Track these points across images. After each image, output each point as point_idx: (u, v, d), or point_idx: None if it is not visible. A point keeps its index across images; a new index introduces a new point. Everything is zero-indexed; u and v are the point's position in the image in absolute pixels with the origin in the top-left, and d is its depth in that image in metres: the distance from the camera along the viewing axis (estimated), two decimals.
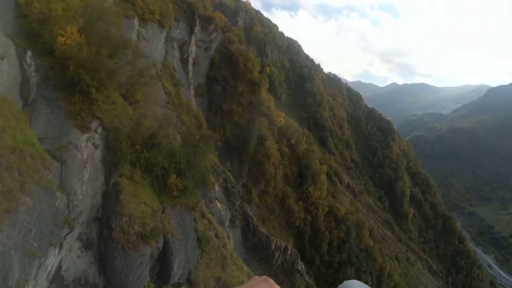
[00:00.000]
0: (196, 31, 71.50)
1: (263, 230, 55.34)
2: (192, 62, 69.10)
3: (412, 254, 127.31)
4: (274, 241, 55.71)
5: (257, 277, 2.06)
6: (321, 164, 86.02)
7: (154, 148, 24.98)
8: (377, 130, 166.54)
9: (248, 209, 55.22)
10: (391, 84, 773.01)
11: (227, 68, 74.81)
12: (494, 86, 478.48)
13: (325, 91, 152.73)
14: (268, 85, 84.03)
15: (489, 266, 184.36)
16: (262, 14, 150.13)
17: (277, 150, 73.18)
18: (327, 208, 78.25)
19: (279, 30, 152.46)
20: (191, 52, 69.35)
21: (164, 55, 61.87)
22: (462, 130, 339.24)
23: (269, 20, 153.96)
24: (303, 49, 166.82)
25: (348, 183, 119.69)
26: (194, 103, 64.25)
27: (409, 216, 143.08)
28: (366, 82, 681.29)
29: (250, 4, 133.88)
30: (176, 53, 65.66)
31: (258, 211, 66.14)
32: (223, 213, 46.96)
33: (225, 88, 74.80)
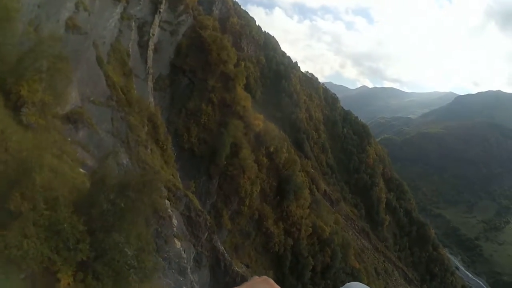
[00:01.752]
0: (161, 10, 56.20)
1: (237, 269, 41.09)
2: (153, 47, 53.77)
3: (389, 264, 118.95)
4: None
5: (257, 277, 1.98)
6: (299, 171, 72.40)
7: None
8: (353, 133, 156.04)
9: (218, 243, 40.62)
10: (361, 86, 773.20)
11: (196, 57, 59.05)
12: (461, 94, 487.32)
13: (301, 90, 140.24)
14: (245, 81, 69.37)
15: (456, 268, 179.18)
16: (240, 6, 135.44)
17: (254, 161, 59.07)
18: (310, 228, 65.01)
19: (257, 24, 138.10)
20: (153, 35, 54.08)
21: (116, 35, 46.93)
22: (430, 135, 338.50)
23: (247, 12, 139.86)
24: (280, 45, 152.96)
25: (325, 190, 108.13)
26: (152, 99, 49.10)
27: (385, 224, 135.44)
28: (337, 83, 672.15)
29: None
30: (133, 35, 50.64)
31: (230, 237, 52.16)
32: (184, 255, 32.83)
33: (193, 81, 59.36)
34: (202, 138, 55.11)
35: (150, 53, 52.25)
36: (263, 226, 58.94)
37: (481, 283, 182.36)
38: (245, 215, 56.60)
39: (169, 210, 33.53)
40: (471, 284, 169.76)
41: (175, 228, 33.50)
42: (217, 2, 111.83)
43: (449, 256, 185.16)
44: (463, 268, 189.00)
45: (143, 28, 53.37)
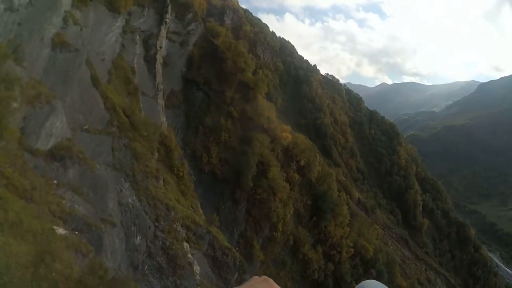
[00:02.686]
0: (167, 20, 50.01)
1: None
2: (161, 61, 47.44)
3: (431, 272, 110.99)
4: None
5: (257, 277, 1.93)
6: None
7: None
8: (381, 134, 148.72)
9: None
10: (380, 84, 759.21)
11: (210, 67, 52.29)
12: (484, 81, 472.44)
13: (323, 94, 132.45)
14: (266, 89, 62.09)
15: (496, 265, 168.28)
16: (251, 13, 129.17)
17: (285, 179, 50.85)
18: (352, 249, 57.10)
19: (270, 30, 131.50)
20: (161, 47, 47.85)
21: (118, 51, 41.00)
22: (456, 127, 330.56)
23: (259, 19, 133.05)
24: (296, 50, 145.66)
25: (358, 198, 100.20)
26: (164, 119, 42.52)
27: (423, 228, 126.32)
28: (355, 83, 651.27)
29: (237, 2, 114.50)
30: (138, 49, 44.65)
31: (263, 269, 44.66)
32: None
33: (208, 95, 52.25)
34: (224, 158, 47.86)
35: (158, 67, 45.95)
36: (299, 252, 51.19)
37: None
38: (279, 242, 48.65)
39: (189, 256, 26.90)
40: None
41: (197, 276, 26.89)
42: (228, 12, 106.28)
43: (488, 253, 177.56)
44: (502, 265, 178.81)
45: (148, 41, 47.35)
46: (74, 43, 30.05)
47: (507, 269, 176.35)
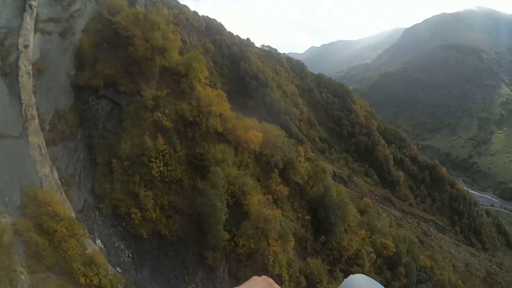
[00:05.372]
0: (33, 3, 30.18)
1: None
2: (30, 68, 27.72)
3: (422, 223, 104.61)
4: None
5: (257, 276, 1.88)
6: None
7: None
8: (333, 96, 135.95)
9: None
10: (309, 48, 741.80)
11: (112, 59, 32.43)
12: (408, 26, 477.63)
13: (265, 67, 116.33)
14: (207, 72, 41.72)
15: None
16: None
17: (272, 201, 32.76)
18: (374, 254, 41.55)
19: (191, 10, 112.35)
20: (26, 47, 28.36)
21: None
22: (392, 73, 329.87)
23: (177, 1, 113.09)
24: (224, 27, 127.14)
25: (334, 171, 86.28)
26: (46, 169, 22.90)
27: (400, 181, 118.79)
28: (287, 52, 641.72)
29: None
30: None
31: None
32: None
33: (117, 102, 32.01)
34: (168, 204, 28.26)
35: (24, 81, 26.34)
36: None
37: (489, 197, 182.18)
38: None
39: None
40: (482, 202, 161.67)
41: None
42: None
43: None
44: (468, 189, 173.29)
45: (5, 42, 27.86)
46: None
47: (473, 191, 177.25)
